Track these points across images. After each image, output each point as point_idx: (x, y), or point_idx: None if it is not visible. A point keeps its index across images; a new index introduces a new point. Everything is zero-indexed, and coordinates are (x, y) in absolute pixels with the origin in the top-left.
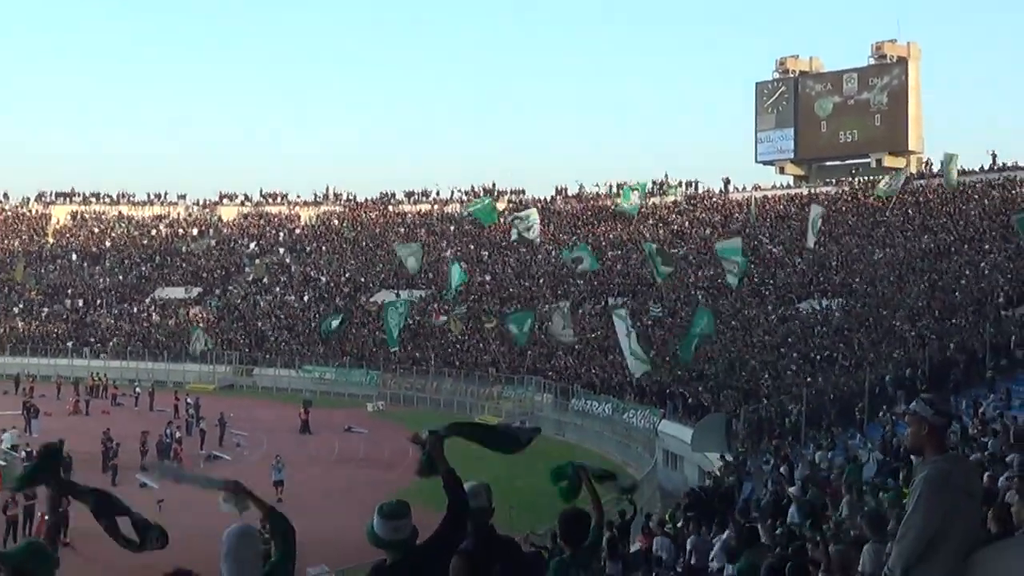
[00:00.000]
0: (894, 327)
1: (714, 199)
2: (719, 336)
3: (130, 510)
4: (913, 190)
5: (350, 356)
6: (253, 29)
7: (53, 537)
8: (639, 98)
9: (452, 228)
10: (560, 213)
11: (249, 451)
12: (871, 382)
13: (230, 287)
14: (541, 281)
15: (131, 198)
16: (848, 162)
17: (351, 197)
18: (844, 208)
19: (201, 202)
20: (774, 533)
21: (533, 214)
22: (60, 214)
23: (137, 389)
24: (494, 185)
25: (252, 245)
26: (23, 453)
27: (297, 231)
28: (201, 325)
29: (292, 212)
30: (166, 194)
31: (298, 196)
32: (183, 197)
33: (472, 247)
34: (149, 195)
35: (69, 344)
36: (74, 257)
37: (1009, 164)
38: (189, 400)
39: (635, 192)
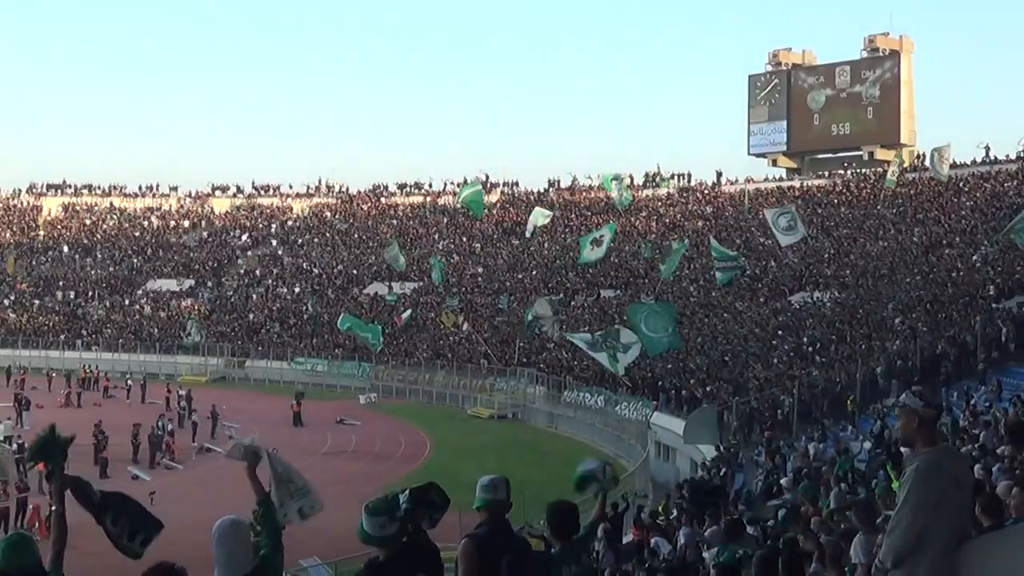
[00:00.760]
0: (885, 319)
1: (706, 191)
2: (711, 329)
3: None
4: (905, 183)
5: (342, 348)
6: (245, 21)
7: (60, 528)
8: (632, 90)
9: (445, 220)
10: (553, 205)
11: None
12: (862, 374)
13: (222, 279)
14: (534, 273)
15: (123, 190)
16: (840, 155)
17: (343, 189)
18: (836, 201)
19: (193, 194)
20: (765, 525)
21: (548, 217)
22: (51, 206)
23: (129, 381)
24: (487, 177)
25: (244, 237)
26: (15, 445)
27: (289, 223)
28: (194, 315)
29: (284, 204)
30: (158, 186)
31: (290, 188)
32: (175, 189)
33: (464, 239)
34: (141, 187)
35: (61, 336)
36: (66, 249)
37: (1001, 157)
38: (181, 392)
39: (614, 183)
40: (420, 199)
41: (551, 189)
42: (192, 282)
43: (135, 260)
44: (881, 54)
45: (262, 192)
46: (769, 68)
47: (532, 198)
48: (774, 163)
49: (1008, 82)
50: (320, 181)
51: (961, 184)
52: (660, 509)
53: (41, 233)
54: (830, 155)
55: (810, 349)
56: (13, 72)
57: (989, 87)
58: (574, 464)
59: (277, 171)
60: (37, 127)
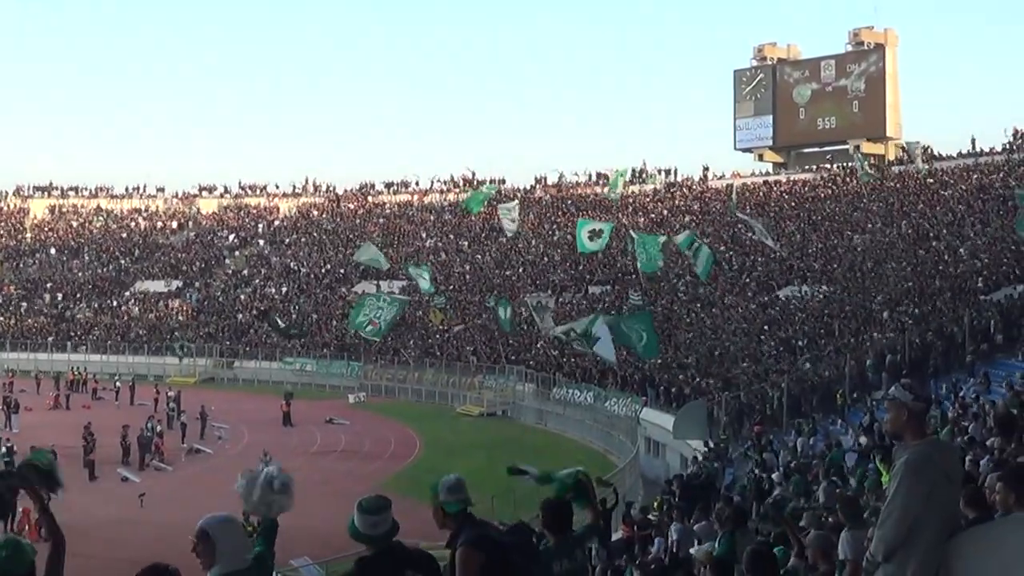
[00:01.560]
0: (873, 313)
1: (693, 187)
2: (699, 324)
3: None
4: (891, 176)
5: (331, 348)
6: (231, 20)
7: (51, 527)
8: (618, 86)
9: (432, 218)
10: (540, 202)
11: (230, 444)
12: (851, 368)
13: (210, 280)
14: (522, 271)
15: (109, 191)
16: (826, 149)
17: (330, 188)
18: (823, 195)
19: (180, 194)
20: (756, 520)
21: (516, 208)
22: (38, 208)
23: (117, 383)
24: (474, 175)
25: (231, 237)
26: (3, 448)
27: (276, 223)
28: (179, 340)
29: (271, 204)
30: (144, 187)
31: (277, 188)
32: (162, 190)
33: (452, 237)
34: (127, 188)
35: (49, 338)
36: (53, 251)
37: (986, 149)
38: (170, 393)
39: (622, 179)
40: (407, 197)
41: (538, 185)
42: (180, 283)
43: (122, 261)
44: (866, 48)
45: (249, 192)
46: (754, 63)
47: (519, 195)
48: (760, 158)
49: (993, 74)
50: (307, 180)
51: (947, 176)
52: (655, 505)
53: (28, 235)
54: (816, 149)
55: (799, 343)
56: None
57: (974, 79)
58: (564, 461)
59: (264, 171)
60: (23, 129)
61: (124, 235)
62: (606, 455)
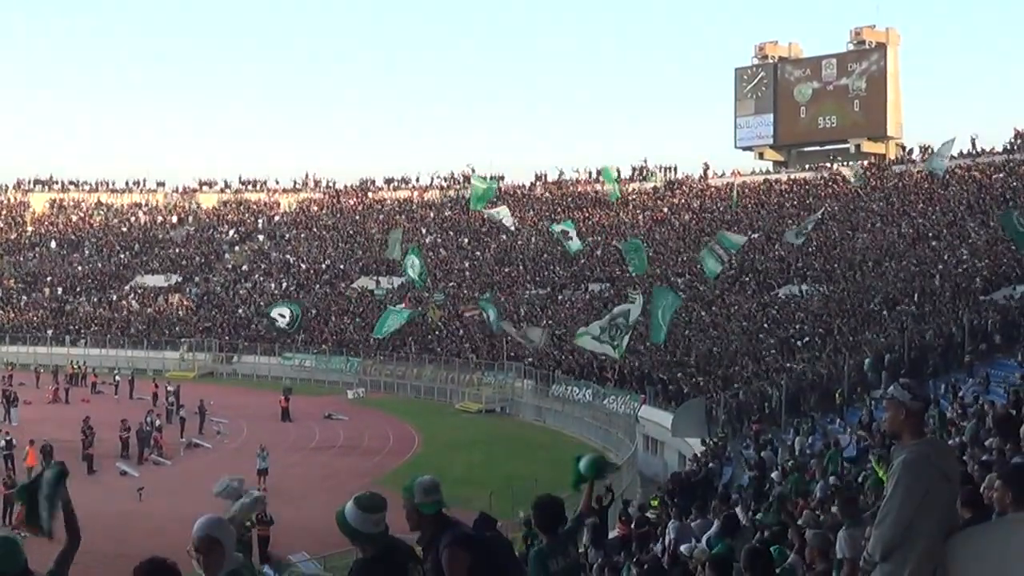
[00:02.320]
0: (873, 312)
1: (694, 185)
2: (699, 322)
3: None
4: (892, 176)
5: (330, 343)
6: (231, 17)
7: (73, 526)
8: (618, 84)
9: (432, 215)
10: (540, 199)
11: (229, 439)
12: (850, 367)
13: (209, 274)
14: (521, 267)
15: (110, 185)
16: (827, 148)
17: (330, 184)
18: (823, 194)
19: (180, 189)
20: (754, 518)
21: (504, 210)
22: (38, 202)
23: (117, 377)
24: (473, 171)
25: (231, 232)
26: (2, 442)
27: (276, 218)
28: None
29: (271, 199)
30: (145, 181)
31: (277, 183)
32: (162, 184)
33: (452, 233)
34: (128, 182)
35: (48, 332)
36: (53, 245)
37: (987, 149)
38: (169, 388)
39: (614, 180)
40: (407, 194)
41: (538, 182)
42: (179, 277)
43: (122, 256)
44: (868, 47)
45: (249, 187)
46: (756, 61)
47: (519, 192)
48: (761, 156)
49: (994, 74)
50: (307, 176)
51: (948, 176)
52: (651, 503)
53: (28, 229)
54: (817, 148)
55: (798, 342)
56: None
57: (975, 79)
58: (562, 458)
59: (264, 166)
60: (24, 123)
61: (124, 229)
62: (604, 452)
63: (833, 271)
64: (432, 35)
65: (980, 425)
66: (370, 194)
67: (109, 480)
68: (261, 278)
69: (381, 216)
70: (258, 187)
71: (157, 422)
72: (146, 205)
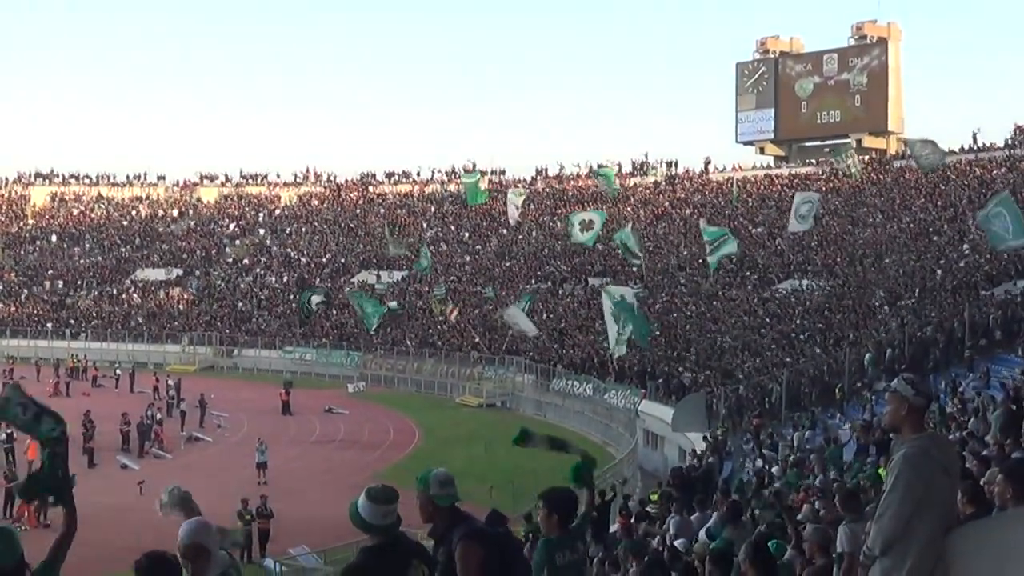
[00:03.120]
0: (874, 307)
1: (694, 180)
2: (699, 317)
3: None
4: (893, 170)
5: (331, 337)
6: (232, 10)
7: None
8: (620, 78)
9: (432, 209)
10: (540, 194)
11: (230, 432)
12: (851, 362)
13: (210, 268)
14: (522, 261)
15: (111, 179)
16: (828, 142)
17: (331, 178)
18: (824, 188)
19: (181, 183)
20: (754, 513)
21: (522, 197)
22: (39, 195)
23: (117, 371)
24: (474, 166)
25: (232, 226)
26: (3, 435)
27: (277, 212)
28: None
29: (272, 193)
30: (145, 175)
31: (278, 177)
32: (163, 178)
33: (453, 228)
34: (129, 176)
35: (49, 325)
36: (54, 238)
37: (988, 144)
38: (170, 381)
39: (613, 176)
40: (408, 188)
41: (538, 177)
42: (180, 271)
43: (123, 249)
44: (869, 41)
45: (250, 181)
46: (757, 56)
47: (520, 186)
48: (762, 151)
49: (996, 69)
50: (308, 170)
51: (949, 171)
52: (651, 498)
53: (29, 222)
54: (818, 143)
55: (798, 337)
56: (0, 62)
57: (977, 74)
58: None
59: (265, 160)
60: (25, 116)
61: (125, 223)
62: (605, 447)
63: (834, 266)
64: (433, 28)
65: (980, 421)
66: (371, 188)
67: (110, 473)
68: (262, 272)
69: (382, 210)
70: (259, 181)
71: (158, 415)
72: (147, 199)
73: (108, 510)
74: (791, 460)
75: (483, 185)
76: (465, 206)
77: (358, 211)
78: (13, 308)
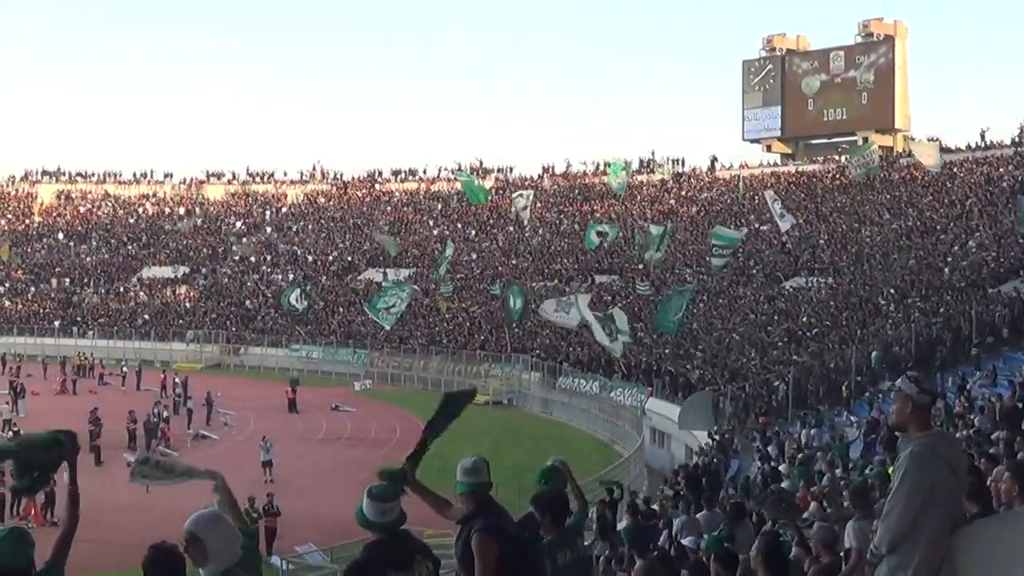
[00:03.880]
0: (880, 305)
1: (701, 177)
2: (706, 314)
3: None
4: (900, 168)
5: (337, 335)
6: (238, 8)
7: (74, 510)
8: (627, 75)
9: (439, 207)
10: (547, 191)
11: (236, 430)
12: (857, 360)
13: (217, 266)
14: (529, 259)
15: (117, 177)
16: (835, 140)
17: (338, 176)
18: (831, 186)
19: (187, 181)
20: (759, 510)
21: (530, 196)
22: (46, 193)
23: (124, 368)
24: (481, 163)
25: (239, 224)
26: (10, 432)
27: (284, 210)
28: (200, 336)
29: (279, 191)
30: (152, 173)
31: (285, 174)
32: (169, 176)
33: (459, 226)
34: (135, 174)
35: (56, 323)
36: (60, 236)
37: (996, 142)
38: (177, 379)
39: (623, 171)
40: (415, 185)
41: (545, 175)
42: (187, 269)
43: (130, 247)
44: (875, 39)
45: (256, 179)
46: (763, 53)
47: (526, 184)
48: (768, 149)
49: (1003, 67)
50: (314, 168)
51: (956, 169)
52: (658, 495)
53: (36, 220)
54: (824, 140)
55: (805, 335)
56: (7, 60)
57: (984, 72)
58: (568, 450)
59: (271, 158)
60: (32, 114)
61: (131, 221)
62: (611, 445)
63: (840, 264)
64: (439, 26)
65: (987, 418)
66: (377, 186)
67: (116, 471)
68: (268, 270)
69: (389, 208)
70: (265, 179)
71: (164, 413)
72: (153, 196)
73: (114, 508)
74: (798, 458)
75: (488, 183)
76: (471, 204)
77: (365, 209)
78: (20, 306)
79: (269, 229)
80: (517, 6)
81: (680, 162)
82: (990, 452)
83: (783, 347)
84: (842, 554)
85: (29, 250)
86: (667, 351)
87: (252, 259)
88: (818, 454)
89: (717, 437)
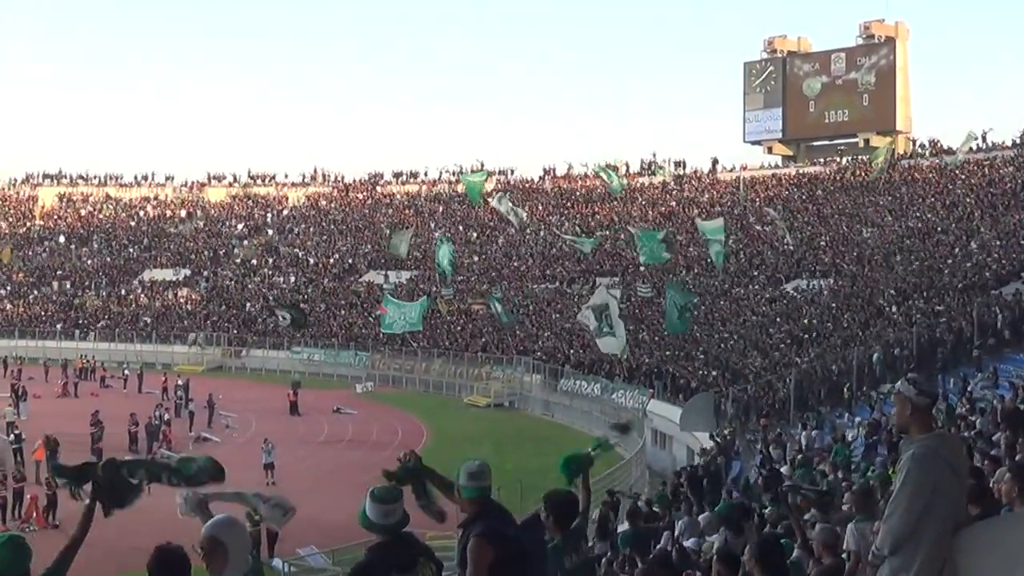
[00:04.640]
0: (882, 307)
1: (702, 179)
2: (707, 316)
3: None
4: (901, 169)
5: (339, 337)
6: (239, 11)
7: (87, 521)
8: (627, 78)
9: (440, 209)
10: (548, 193)
11: (238, 432)
12: (859, 361)
13: (218, 269)
14: (530, 261)
15: (118, 179)
16: (836, 142)
17: (339, 178)
18: (832, 188)
19: (189, 183)
20: (761, 512)
21: (506, 199)
22: (47, 196)
23: (126, 371)
24: (482, 165)
25: (240, 226)
26: (11, 436)
27: (285, 212)
28: (200, 338)
29: (280, 193)
30: (153, 175)
31: (286, 177)
32: (170, 178)
33: (461, 228)
34: (136, 176)
35: (57, 326)
36: (62, 239)
37: (997, 143)
38: (179, 382)
39: (613, 173)
40: (416, 188)
41: (546, 177)
42: (188, 271)
43: (131, 250)
44: (877, 41)
45: (258, 181)
46: (764, 55)
47: (527, 186)
48: (769, 150)
49: (1004, 68)
50: (316, 170)
51: (957, 171)
52: (657, 498)
53: (37, 223)
54: (826, 142)
55: (807, 336)
56: (9, 61)
57: (985, 73)
58: (569, 450)
59: (272, 160)
60: (33, 117)
61: (133, 223)
62: (613, 447)
63: (842, 265)
64: (440, 28)
65: (989, 420)
66: (379, 188)
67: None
68: (270, 272)
69: (390, 210)
70: (266, 181)
71: (166, 416)
72: (155, 199)
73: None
74: (799, 460)
75: (489, 185)
76: (472, 206)
77: (366, 211)
78: (22, 309)
79: (270, 231)
80: (517, 6)
81: (681, 164)
82: (991, 454)
83: (784, 349)
84: (844, 555)
85: (30, 253)
86: (668, 353)
87: (253, 261)
88: (816, 458)
89: (719, 439)
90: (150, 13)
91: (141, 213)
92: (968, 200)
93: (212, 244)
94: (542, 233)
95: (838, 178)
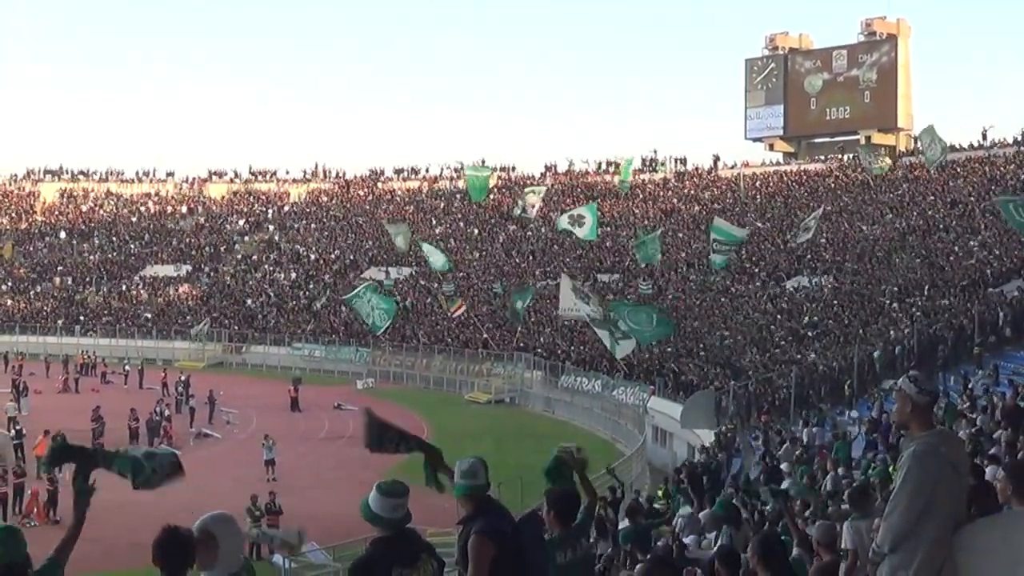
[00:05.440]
0: (883, 304)
1: (703, 176)
2: (708, 313)
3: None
4: (902, 167)
5: (340, 334)
6: (239, 9)
7: (82, 514)
8: (629, 75)
9: (442, 205)
10: (549, 190)
11: (239, 429)
12: (860, 359)
13: (219, 264)
14: (531, 258)
15: (120, 175)
16: (837, 139)
17: (340, 174)
18: (833, 185)
19: (190, 179)
20: (762, 509)
21: (542, 192)
22: (48, 191)
23: (127, 367)
24: (483, 162)
25: (241, 222)
26: (13, 431)
27: (286, 208)
28: (206, 324)
29: (281, 189)
30: (155, 171)
31: (287, 173)
32: (171, 174)
33: (462, 224)
34: (138, 172)
35: (58, 322)
36: (63, 235)
37: (998, 141)
38: (180, 378)
39: (631, 167)
40: (417, 184)
41: (548, 173)
42: (189, 267)
43: (132, 245)
44: (878, 38)
45: (259, 177)
46: (766, 52)
47: (529, 182)
48: (771, 147)
49: (1006, 65)
50: (317, 166)
51: (958, 168)
52: (660, 494)
53: (38, 218)
54: (827, 139)
55: (808, 334)
56: (10, 58)
57: (987, 70)
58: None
59: (274, 156)
60: (34, 113)
61: (134, 219)
62: (613, 443)
63: (843, 263)
64: (442, 24)
65: (990, 417)
66: (380, 184)
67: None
68: (271, 268)
69: (391, 207)
70: (268, 177)
71: (167, 412)
72: (156, 195)
73: (115, 506)
74: (800, 457)
75: (491, 182)
76: (472, 202)
77: (367, 207)
78: (23, 304)
79: (271, 228)
80: (517, 6)
81: (683, 161)
82: (991, 452)
83: (785, 346)
84: (842, 553)
85: (32, 248)
86: (669, 349)
87: (254, 258)
88: (815, 458)
89: (719, 436)
90: (150, 13)
91: (142, 209)
92: (969, 197)
93: (213, 240)
94: (543, 229)
95: (839, 175)
